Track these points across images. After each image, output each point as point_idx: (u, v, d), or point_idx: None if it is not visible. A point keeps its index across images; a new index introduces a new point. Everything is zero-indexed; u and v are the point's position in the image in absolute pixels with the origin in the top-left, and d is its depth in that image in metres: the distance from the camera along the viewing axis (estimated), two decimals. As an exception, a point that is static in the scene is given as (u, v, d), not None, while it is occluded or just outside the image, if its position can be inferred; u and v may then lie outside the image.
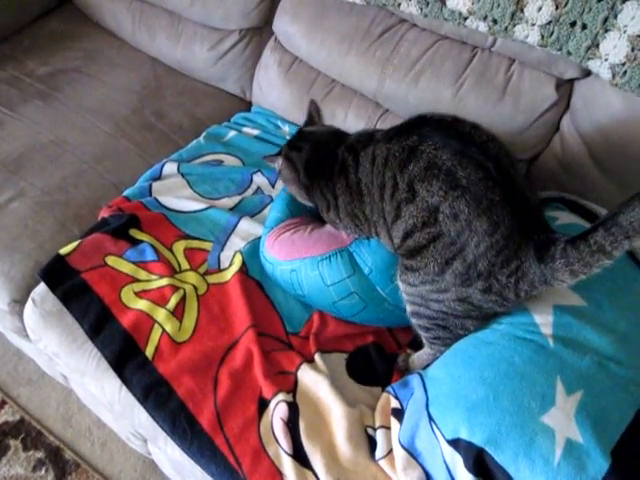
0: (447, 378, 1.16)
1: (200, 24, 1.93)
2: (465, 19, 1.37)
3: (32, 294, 1.46)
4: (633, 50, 1.19)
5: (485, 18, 1.31)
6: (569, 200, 1.37)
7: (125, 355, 1.33)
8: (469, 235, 1.07)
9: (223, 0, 1.83)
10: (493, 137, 1.14)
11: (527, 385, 1.07)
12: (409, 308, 1.25)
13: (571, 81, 1.44)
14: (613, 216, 0.95)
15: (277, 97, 1.85)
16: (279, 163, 1.44)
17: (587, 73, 1.38)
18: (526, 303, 1.16)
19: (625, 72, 1.22)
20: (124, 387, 1.33)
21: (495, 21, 1.31)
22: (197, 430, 1.24)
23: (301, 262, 1.36)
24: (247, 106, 2.01)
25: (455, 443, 1.07)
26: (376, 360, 1.38)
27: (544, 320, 1.14)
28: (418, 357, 1.35)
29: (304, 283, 1.36)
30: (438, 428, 1.10)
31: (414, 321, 1.26)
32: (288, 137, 1.81)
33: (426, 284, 1.16)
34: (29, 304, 1.45)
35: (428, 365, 1.28)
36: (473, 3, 1.31)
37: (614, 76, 1.23)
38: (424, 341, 1.30)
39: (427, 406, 1.15)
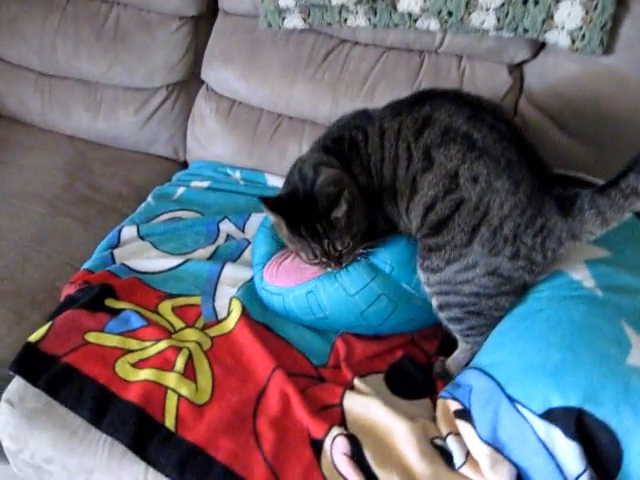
0: (512, 356, 1.11)
1: (121, 87, 1.82)
2: (416, 20, 1.40)
3: (5, 395, 1.21)
4: (587, 12, 1.27)
5: (439, 13, 1.35)
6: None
7: (143, 433, 1.14)
8: (491, 197, 1.08)
9: (144, 58, 1.76)
10: (499, 105, 1.18)
11: (598, 335, 1.05)
12: (436, 301, 1.21)
13: (520, 65, 1.50)
14: None
15: (220, 146, 1.77)
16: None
17: (536, 52, 1.45)
18: (557, 266, 1.15)
19: (584, 35, 1.29)
20: (151, 469, 1.12)
21: (450, 13, 1.35)
22: (253, 493, 1.07)
23: (316, 280, 1.27)
24: (181, 167, 1.90)
25: (549, 415, 1.00)
26: (414, 372, 1.29)
27: (582, 275, 1.14)
28: (454, 359, 1.30)
29: (324, 301, 1.27)
30: (524, 406, 1.03)
31: (443, 315, 1.22)
32: (242, 183, 1.74)
33: (452, 263, 1.14)
34: (4, 408, 1.20)
35: (467, 363, 1.23)
36: (425, 1, 1.35)
37: (574, 41, 1.31)
38: (458, 336, 1.25)
39: (502, 390, 1.08)
